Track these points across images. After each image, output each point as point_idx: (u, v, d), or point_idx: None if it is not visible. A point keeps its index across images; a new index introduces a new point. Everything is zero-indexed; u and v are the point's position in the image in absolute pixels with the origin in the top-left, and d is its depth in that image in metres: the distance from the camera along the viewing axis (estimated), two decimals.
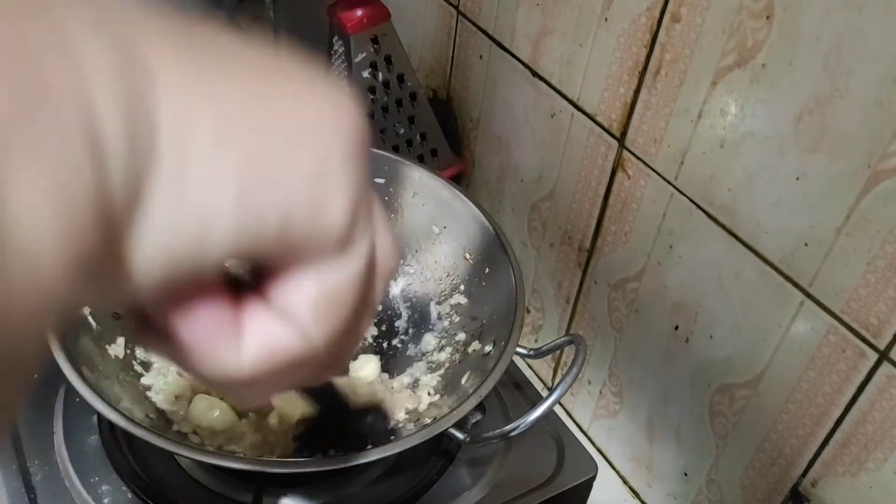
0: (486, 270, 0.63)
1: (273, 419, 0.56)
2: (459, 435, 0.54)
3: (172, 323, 0.21)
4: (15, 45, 0.15)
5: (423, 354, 0.64)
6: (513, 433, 0.53)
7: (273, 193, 0.19)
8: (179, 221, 0.18)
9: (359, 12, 0.76)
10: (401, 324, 0.67)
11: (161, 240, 0.18)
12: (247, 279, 0.22)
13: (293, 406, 0.55)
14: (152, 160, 0.17)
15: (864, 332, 0.49)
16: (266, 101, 0.19)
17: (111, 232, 0.17)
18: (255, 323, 0.21)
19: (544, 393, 0.57)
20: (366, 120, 0.21)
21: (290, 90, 0.20)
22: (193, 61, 0.18)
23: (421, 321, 0.66)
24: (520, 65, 0.73)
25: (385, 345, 0.66)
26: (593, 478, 0.62)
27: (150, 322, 0.21)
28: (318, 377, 0.24)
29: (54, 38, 0.16)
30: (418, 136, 0.83)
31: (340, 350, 0.24)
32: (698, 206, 0.58)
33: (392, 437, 0.53)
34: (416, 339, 0.65)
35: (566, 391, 0.52)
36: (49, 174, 0.15)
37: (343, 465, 0.48)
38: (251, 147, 0.19)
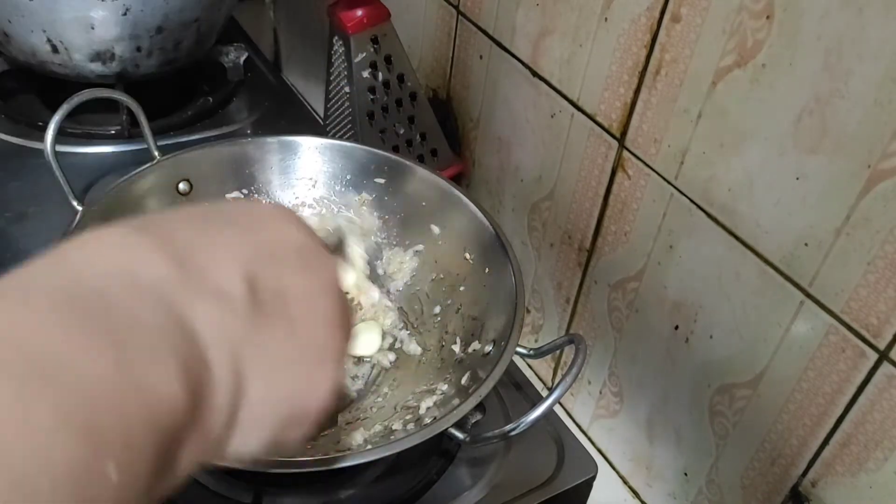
0: (486, 270, 0.63)
1: None
2: (459, 435, 0.54)
3: None
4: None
5: (423, 354, 0.64)
6: (513, 433, 0.53)
7: (277, 437, 0.31)
8: (227, 455, 0.30)
9: (359, 12, 0.76)
10: (400, 325, 0.67)
11: (199, 460, 0.28)
12: None
13: None
14: (230, 435, 0.29)
15: (864, 332, 0.49)
16: (298, 390, 0.31)
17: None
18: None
19: (544, 393, 0.57)
20: (341, 378, 0.34)
21: (313, 374, 0.32)
22: (264, 374, 0.29)
23: (420, 321, 0.66)
24: (520, 65, 0.73)
25: (385, 345, 0.66)
26: (593, 478, 0.62)
27: None
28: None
29: (148, 365, 0.24)
30: (418, 136, 0.83)
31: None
32: (698, 206, 0.58)
33: (392, 437, 0.53)
34: (415, 339, 0.65)
35: (566, 391, 0.52)
36: (198, 445, 0.26)
37: (343, 465, 0.48)
38: (279, 425, 0.31)
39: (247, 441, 0.29)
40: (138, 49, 0.84)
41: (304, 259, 0.33)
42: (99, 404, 0.22)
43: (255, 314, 0.29)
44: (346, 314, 0.34)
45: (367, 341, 0.64)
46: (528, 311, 0.82)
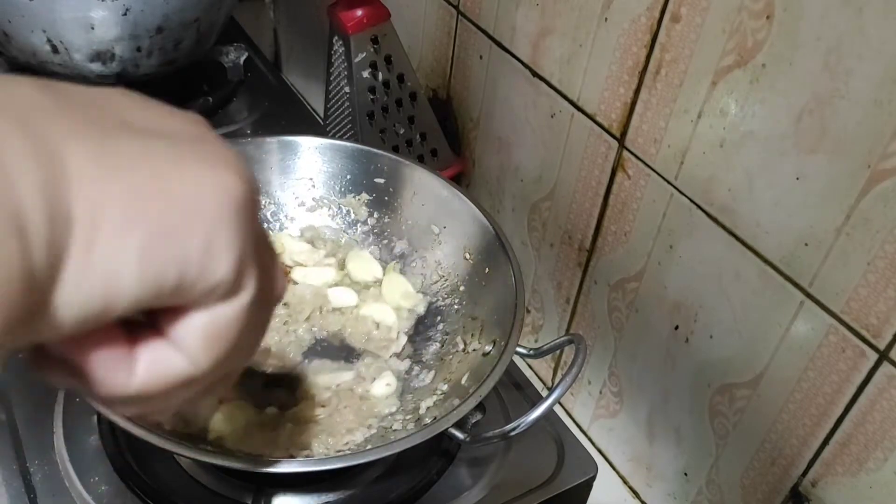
0: (486, 270, 0.63)
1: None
2: (459, 435, 0.54)
3: (69, 354, 0.25)
4: None
5: (423, 354, 0.64)
6: (513, 433, 0.53)
7: (169, 261, 0.24)
8: (88, 285, 0.22)
9: (359, 12, 0.76)
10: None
11: (74, 299, 0.22)
12: (141, 318, 0.26)
13: None
14: (69, 239, 0.22)
15: (864, 332, 0.49)
16: (164, 179, 0.24)
17: (34, 297, 0.21)
18: (146, 350, 0.26)
19: (544, 393, 0.57)
20: (253, 178, 0.26)
21: (186, 166, 0.24)
22: (101, 146, 0.23)
23: (420, 321, 0.66)
24: (520, 65, 0.73)
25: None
26: (593, 478, 0.62)
27: (45, 351, 0.25)
28: (206, 394, 0.29)
29: None
30: (418, 136, 0.83)
31: (229, 369, 0.28)
32: (698, 206, 0.58)
33: (392, 437, 0.53)
34: (415, 339, 0.65)
35: (566, 391, 0.52)
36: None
37: (343, 465, 0.48)
38: (152, 224, 0.23)
39: (112, 253, 0.22)
40: (138, 49, 0.84)
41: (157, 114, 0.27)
42: None
43: (66, 105, 0.23)
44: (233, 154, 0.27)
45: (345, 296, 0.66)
46: (528, 311, 0.82)
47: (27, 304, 0.21)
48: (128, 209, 0.23)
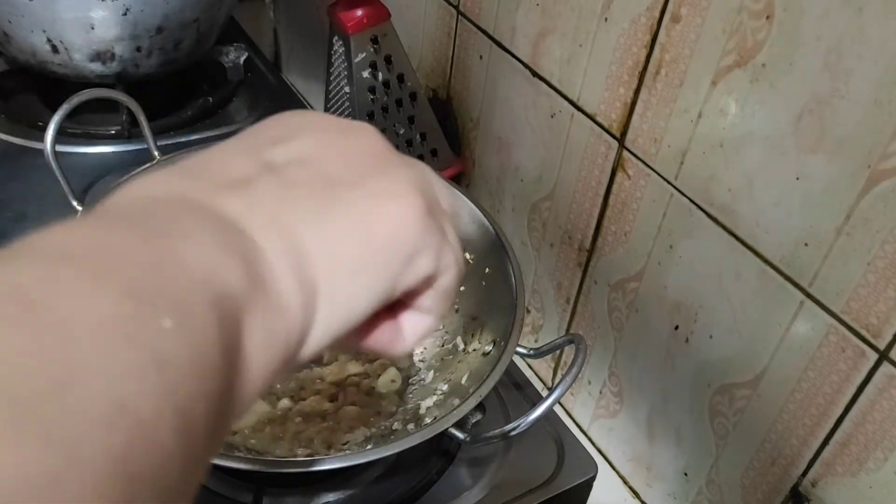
0: (486, 270, 0.63)
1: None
2: (459, 435, 0.54)
3: (358, 341, 0.33)
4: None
5: (423, 354, 0.64)
6: (513, 433, 0.53)
7: (387, 282, 0.30)
8: (333, 324, 0.28)
9: (359, 12, 0.76)
10: None
11: (322, 336, 0.28)
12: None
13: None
14: (316, 303, 0.27)
15: (864, 332, 0.49)
16: (369, 228, 0.29)
17: (292, 353, 0.27)
18: (409, 321, 0.34)
19: (544, 393, 0.57)
20: (429, 186, 0.32)
21: (378, 207, 0.30)
22: (321, 222, 0.28)
23: None
24: (520, 65, 0.73)
25: None
26: (593, 478, 0.62)
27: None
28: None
29: (256, 247, 0.26)
30: (418, 136, 0.83)
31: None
32: (698, 206, 0.58)
33: (392, 437, 0.53)
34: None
35: (566, 391, 0.52)
36: (268, 336, 0.25)
37: (343, 465, 0.48)
38: (370, 264, 0.29)
39: (348, 298, 0.28)
40: (138, 49, 0.84)
41: (319, 128, 0.32)
42: (138, 271, 0.22)
43: (282, 183, 0.28)
44: (393, 149, 0.32)
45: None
46: (528, 311, 0.82)
47: (287, 359, 0.27)
48: (353, 262, 0.28)
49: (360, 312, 0.29)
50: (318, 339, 0.28)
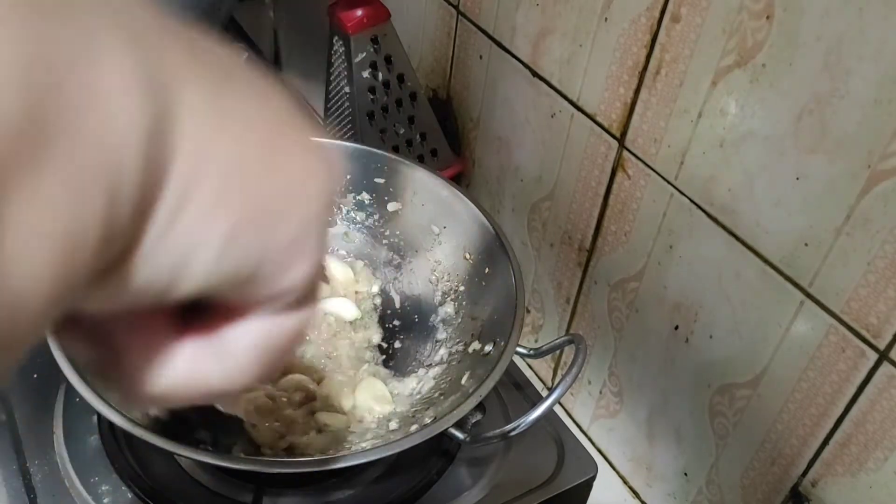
0: (486, 270, 0.63)
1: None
2: (459, 435, 0.54)
3: (109, 328, 0.22)
4: (40, 45, 0.14)
5: (423, 354, 0.64)
6: (513, 433, 0.53)
7: (255, 247, 0.20)
8: (160, 259, 0.19)
9: (359, 12, 0.76)
10: (401, 324, 0.67)
11: (140, 270, 0.18)
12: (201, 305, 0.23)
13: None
14: (158, 202, 0.18)
15: (864, 332, 0.49)
16: (274, 155, 0.20)
17: (104, 258, 0.17)
18: (189, 351, 0.22)
19: (544, 393, 0.57)
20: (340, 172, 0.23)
21: (294, 146, 0.21)
22: (215, 102, 0.19)
23: (421, 321, 0.66)
24: (520, 65, 0.73)
25: (385, 345, 0.66)
26: (593, 478, 0.62)
27: (78, 319, 0.21)
28: (220, 399, 0.25)
29: (85, 49, 0.15)
30: (418, 136, 0.83)
31: (259, 381, 0.24)
32: (698, 206, 0.58)
33: (392, 437, 0.53)
34: (416, 339, 0.65)
35: (566, 391, 0.52)
36: (56, 210, 0.15)
37: (343, 465, 0.48)
38: (248, 202, 0.20)
39: (199, 222, 0.19)
40: None
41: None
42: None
43: (191, 51, 0.19)
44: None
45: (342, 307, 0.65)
46: (528, 311, 0.82)
47: (96, 263, 0.17)
48: (231, 177, 0.19)
49: (193, 274, 0.19)
50: (133, 271, 0.18)
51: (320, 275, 0.23)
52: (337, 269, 0.68)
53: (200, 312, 0.23)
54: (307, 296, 0.23)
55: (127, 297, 0.19)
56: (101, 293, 0.19)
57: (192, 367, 0.23)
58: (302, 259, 0.22)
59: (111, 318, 0.22)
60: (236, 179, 0.19)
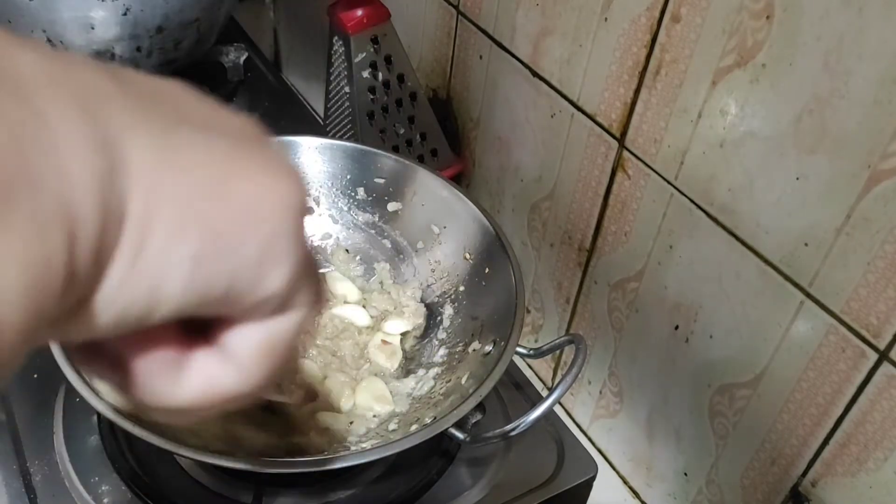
0: (486, 270, 0.63)
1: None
2: (459, 435, 0.54)
3: (120, 351, 0.24)
4: (2, 126, 0.17)
5: (423, 354, 0.64)
6: (513, 433, 0.53)
7: (220, 271, 0.22)
8: (131, 289, 0.21)
9: (359, 12, 0.76)
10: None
11: (114, 302, 0.21)
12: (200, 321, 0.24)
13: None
14: (120, 238, 0.20)
15: (864, 332, 0.49)
16: (225, 182, 0.22)
17: (73, 295, 0.20)
18: (199, 362, 0.24)
19: (544, 393, 0.57)
20: (305, 190, 0.25)
21: (246, 170, 0.23)
22: (164, 141, 0.21)
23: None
24: (520, 65, 0.73)
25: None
26: (593, 478, 0.62)
27: (94, 346, 0.24)
28: (244, 402, 0.27)
29: (32, 114, 0.18)
30: (418, 136, 0.83)
31: (272, 381, 0.26)
32: (698, 206, 0.58)
33: (392, 437, 0.53)
34: (416, 339, 0.65)
35: (566, 391, 0.52)
36: (22, 249, 0.18)
37: (343, 465, 0.48)
38: (207, 230, 0.21)
39: (162, 256, 0.21)
40: (138, 49, 0.84)
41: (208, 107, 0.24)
42: None
43: (129, 89, 0.22)
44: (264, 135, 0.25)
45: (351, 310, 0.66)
46: (528, 311, 0.82)
47: (65, 301, 0.19)
48: (185, 211, 0.21)
49: (167, 298, 0.21)
50: (111, 296, 0.20)
51: (309, 275, 0.25)
52: (347, 289, 0.68)
53: (201, 323, 0.24)
54: (298, 296, 0.25)
55: (107, 325, 0.21)
56: (82, 324, 0.21)
57: (206, 378, 0.24)
58: (274, 268, 0.23)
59: (122, 342, 0.24)
60: (191, 211, 0.21)
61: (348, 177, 0.70)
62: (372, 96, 0.79)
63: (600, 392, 0.74)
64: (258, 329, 0.24)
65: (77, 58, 0.21)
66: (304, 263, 0.24)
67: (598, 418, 0.76)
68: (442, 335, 0.64)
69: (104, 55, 0.83)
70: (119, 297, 0.21)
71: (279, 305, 0.24)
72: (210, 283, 0.22)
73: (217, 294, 0.22)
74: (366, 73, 0.78)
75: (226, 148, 0.23)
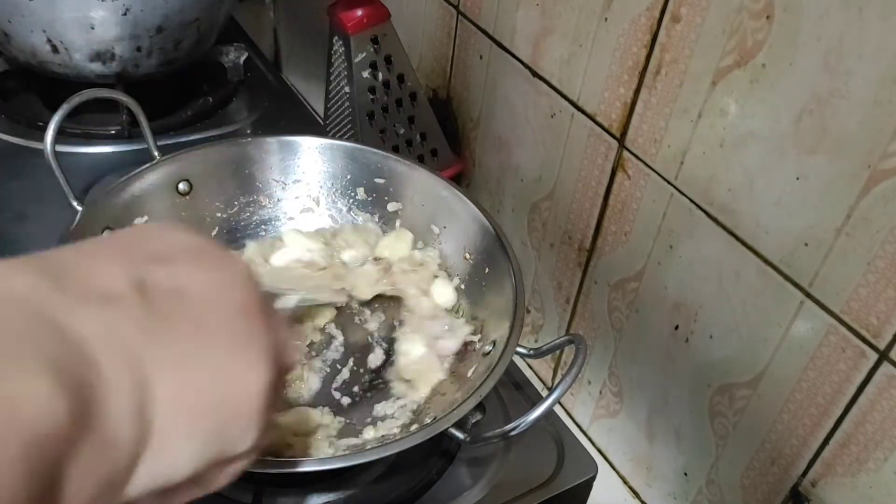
0: (486, 270, 0.63)
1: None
2: (459, 435, 0.54)
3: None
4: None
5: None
6: (513, 433, 0.53)
7: (217, 449, 0.31)
8: (153, 478, 0.28)
9: (359, 12, 0.76)
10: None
11: (138, 487, 0.28)
12: None
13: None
14: (146, 449, 0.27)
15: (864, 332, 0.49)
16: (218, 385, 0.30)
17: (108, 491, 0.27)
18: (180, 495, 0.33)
19: (544, 393, 0.57)
20: (283, 356, 0.33)
21: (233, 369, 0.31)
22: (172, 364, 0.28)
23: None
24: (520, 65, 0.73)
25: (385, 345, 0.66)
26: (593, 478, 0.62)
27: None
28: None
29: (96, 374, 0.25)
30: (418, 136, 0.83)
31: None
32: (698, 206, 0.58)
33: (392, 437, 0.53)
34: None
35: (566, 391, 0.52)
36: (91, 466, 0.25)
37: (343, 465, 0.48)
38: (208, 430, 0.30)
39: (176, 454, 0.29)
40: (138, 49, 0.84)
41: (199, 257, 0.32)
42: None
43: (150, 314, 0.28)
44: (263, 302, 0.33)
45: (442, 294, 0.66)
46: (528, 311, 0.82)
47: (110, 488, 0.26)
48: (191, 419, 0.29)
49: (182, 470, 0.30)
50: (143, 482, 0.28)
51: (270, 424, 0.33)
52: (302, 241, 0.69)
53: None
54: (261, 440, 0.33)
55: (130, 499, 0.28)
56: (113, 499, 0.27)
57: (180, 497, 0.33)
58: (250, 435, 0.32)
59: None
60: (196, 416, 0.29)
61: (348, 177, 0.70)
62: (372, 96, 0.79)
63: (600, 392, 0.74)
64: (224, 474, 0.34)
65: (109, 294, 0.28)
66: (271, 411, 0.32)
67: (598, 418, 0.76)
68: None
69: (104, 55, 0.83)
70: (141, 484, 0.28)
71: (251, 448, 0.33)
72: (209, 458, 0.30)
73: (209, 461, 0.30)
74: (366, 73, 0.78)
75: (216, 355, 0.30)
